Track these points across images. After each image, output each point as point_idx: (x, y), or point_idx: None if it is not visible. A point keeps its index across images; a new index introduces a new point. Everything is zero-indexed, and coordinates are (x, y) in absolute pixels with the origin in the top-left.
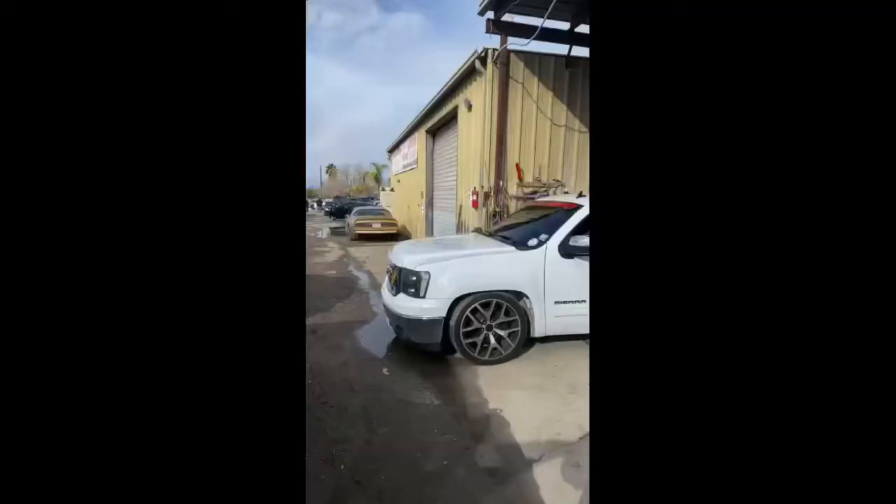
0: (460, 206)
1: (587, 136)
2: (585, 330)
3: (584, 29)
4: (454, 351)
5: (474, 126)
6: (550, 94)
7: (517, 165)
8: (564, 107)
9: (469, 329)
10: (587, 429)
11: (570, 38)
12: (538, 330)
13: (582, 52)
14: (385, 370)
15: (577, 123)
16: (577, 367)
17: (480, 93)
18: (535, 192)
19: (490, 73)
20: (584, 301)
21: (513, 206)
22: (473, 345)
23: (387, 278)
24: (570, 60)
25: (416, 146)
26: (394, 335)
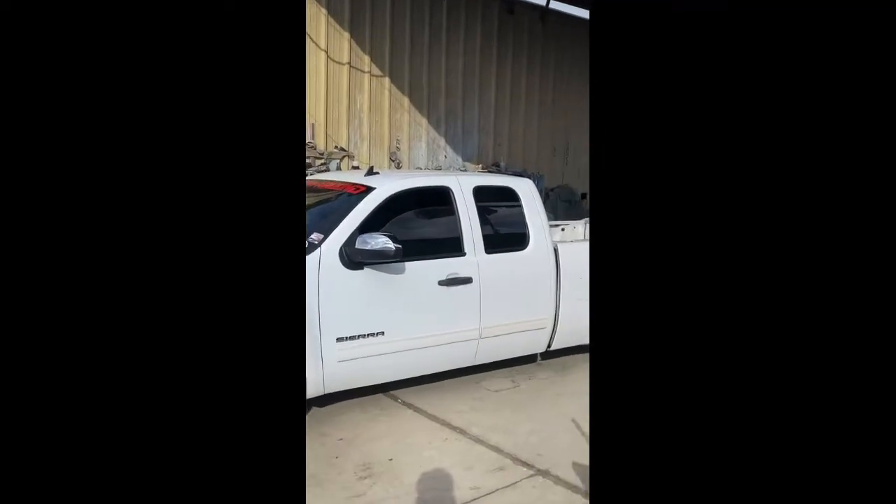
0: None
1: (383, 81)
2: (389, 377)
3: None
4: None
5: None
6: (324, 14)
7: None
8: (347, 35)
9: None
10: None
11: None
12: (313, 387)
13: None
14: None
15: (367, 62)
16: (373, 437)
17: None
18: (308, 167)
19: None
20: (383, 333)
21: None
22: None
23: None
24: None
25: None
26: None
